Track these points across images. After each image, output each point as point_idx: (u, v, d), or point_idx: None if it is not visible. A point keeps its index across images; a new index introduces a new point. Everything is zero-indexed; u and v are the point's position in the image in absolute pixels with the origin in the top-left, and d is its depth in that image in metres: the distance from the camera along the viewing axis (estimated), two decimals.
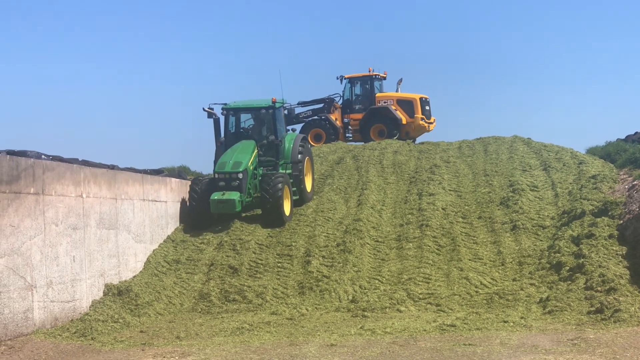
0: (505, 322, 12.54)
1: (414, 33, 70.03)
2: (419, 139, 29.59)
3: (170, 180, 19.38)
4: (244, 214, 19.90)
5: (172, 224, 19.20)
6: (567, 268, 14.77)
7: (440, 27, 70.07)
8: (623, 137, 24.99)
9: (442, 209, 19.37)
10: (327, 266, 16.71)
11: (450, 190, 20.99)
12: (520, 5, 70.60)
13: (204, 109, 20.10)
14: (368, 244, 17.80)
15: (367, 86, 30.13)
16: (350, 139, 30.25)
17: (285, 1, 72.49)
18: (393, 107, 29.13)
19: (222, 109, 20.52)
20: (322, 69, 64.25)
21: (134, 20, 67.70)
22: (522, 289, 14.53)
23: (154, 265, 17.27)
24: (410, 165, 23.79)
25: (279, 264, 17.08)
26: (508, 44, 68.10)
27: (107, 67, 63.74)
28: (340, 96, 30.40)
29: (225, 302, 15.59)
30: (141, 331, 13.40)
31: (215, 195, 18.79)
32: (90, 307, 14.51)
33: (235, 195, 18.72)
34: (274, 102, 20.21)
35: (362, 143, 28.24)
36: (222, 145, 20.36)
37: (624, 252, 14.75)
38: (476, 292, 14.96)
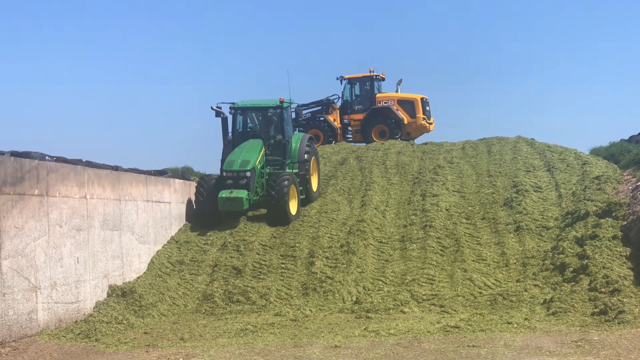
0: (509, 323, 12.54)
1: (416, 33, 70.04)
2: (419, 140, 29.59)
3: (174, 181, 19.40)
4: (250, 213, 20.02)
5: (175, 225, 19.22)
6: (571, 269, 14.75)
7: (443, 27, 70.11)
8: (627, 137, 24.95)
9: (446, 209, 19.37)
10: (330, 267, 16.71)
11: (453, 191, 20.98)
12: (523, 5, 70.58)
13: (212, 108, 20.32)
14: (372, 244, 17.80)
15: (367, 87, 30.12)
16: (350, 139, 30.24)
17: (286, 2, 72.55)
18: (394, 108, 29.14)
19: (230, 108, 20.71)
20: (319, 69, 64.37)
21: (139, 20, 67.83)
22: (525, 290, 14.51)
23: (158, 266, 17.29)
24: (414, 166, 23.79)
25: (282, 265, 17.09)
26: (512, 44, 68.11)
27: (110, 67, 63.90)
28: (339, 97, 30.40)
29: (229, 303, 15.60)
30: (145, 332, 13.42)
31: (223, 193, 18.95)
32: (94, 309, 14.53)
33: (243, 194, 18.87)
34: (281, 102, 20.41)
35: (364, 144, 28.26)
36: (230, 144, 20.54)
37: (627, 253, 14.74)
38: (480, 293, 14.95)
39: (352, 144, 28.96)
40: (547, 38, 68.21)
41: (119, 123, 60.34)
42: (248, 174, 19.15)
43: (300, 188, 20.53)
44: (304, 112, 29.39)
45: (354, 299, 15.23)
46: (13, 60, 59.86)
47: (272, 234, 18.78)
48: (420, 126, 29.23)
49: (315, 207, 20.54)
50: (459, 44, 67.49)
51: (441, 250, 17.18)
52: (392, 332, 12.27)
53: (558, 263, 15.28)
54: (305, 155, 20.93)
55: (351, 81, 30.41)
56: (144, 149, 53.21)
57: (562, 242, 16.17)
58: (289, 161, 20.75)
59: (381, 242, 18.14)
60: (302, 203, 20.63)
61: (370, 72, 30.06)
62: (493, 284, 15.41)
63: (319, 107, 30.06)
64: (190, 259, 17.67)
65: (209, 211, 19.45)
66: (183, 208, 19.82)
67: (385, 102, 29.37)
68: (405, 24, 70.57)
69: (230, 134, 20.73)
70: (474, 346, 10.95)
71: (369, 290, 15.53)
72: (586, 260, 14.63)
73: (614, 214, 16.47)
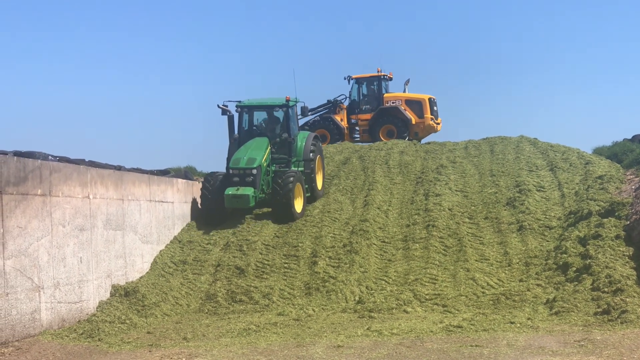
0: (512, 323, 12.53)
1: (418, 33, 70.00)
2: (425, 140, 29.58)
3: (177, 181, 19.43)
4: (255, 211, 20.11)
5: (178, 225, 19.25)
6: (574, 269, 14.74)
7: (446, 27, 70.04)
8: (630, 137, 24.93)
9: (449, 209, 19.37)
10: (333, 267, 16.72)
11: (456, 190, 20.98)
12: (526, 5, 70.51)
13: (218, 106, 20.51)
14: (374, 244, 17.81)
15: (375, 87, 30.12)
16: (358, 139, 30.24)
17: (293, 1, 72.54)
18: (402, 107, 29.13)
19: (237, 106, 20.92)
20: (326, 69, 64.31)
21: (141, 19, 67.84)
22: (528, 290, 14.50)
23: (161, 266, 17.31)
24: (417, 165, 23.79)
25: (285, 265, 17.10)
26: (514, 44, 68.03)
27: (113, 67, 63.89)
28: (347, 97, 30.42)
29: (232, 303, 15.61)
30: (148, 332, 13.43)
31: (230, 190, 19.08)
32: (97, 308, 14.55)
33: (249, 191, 19.00)
34: (287, 101, 20.61)
35: (369, 143, 28.25)
36: (236, 142, 20.69)
37: (630, 253, 14.73)
38: (483, 293, 14.94)
39: (360, 143, 28.96)
40: (550, 37, 68.19)
41: (121, 123, 60.43)
42: (254, 171, 19.31)
43: (306, 186, 20.62)
44: (312, 115, 29.50)
45: (357, 298, 15.23)
46: (15, 60, 59.98)
47: (275, 234, 18.80)
48: (427, 126, 29.25)
49: (318, 207, 20.56)
50: (461, 43, 67.46)
51: (444, 250, 17.18)
52: (395, 331, 12.27)
53: (561, 263, 15.27)
54: (311, 154, 21.13)
55: (359, 81, 30.42)
56: (146, 148, 53.26)
57: (564, 241, 16.16)
58: (295, 159, 20.92)
59: (384, 241, 18.14)
60: (307, 201, 20.74)
61: (378, 71, 30.07)
62: (496, 283, 15.41)
63: (327, 110, 30.12)
64: (193, 259, 17.69)
65: (215, 208, 19.60)
66: (186, 208, 19.85)
67: (393, 102, 29.38)
68: (407, 23, 70.58)
69: (236, 132, 20.90)
70: (476, 346, 10.95)
71: (371, 290, 15.54)
72: (589, 260, 14.62)
73: (616, 214, 16.46)
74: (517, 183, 20.75)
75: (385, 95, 29.67)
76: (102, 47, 65.07)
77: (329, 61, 65.52)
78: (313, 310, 14.72)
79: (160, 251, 17.90)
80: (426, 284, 15.43)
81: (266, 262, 17.21)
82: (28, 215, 12.67)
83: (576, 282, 14.18)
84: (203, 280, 16.71)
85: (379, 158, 24.49)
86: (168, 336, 12.92)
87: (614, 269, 13.92)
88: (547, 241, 17.07)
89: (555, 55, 67.25)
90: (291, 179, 19.49)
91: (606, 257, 14.54)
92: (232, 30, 71.70)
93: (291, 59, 64.63)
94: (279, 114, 21.00)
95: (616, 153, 23.18)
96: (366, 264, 16.67)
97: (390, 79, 30.49)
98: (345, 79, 30.50)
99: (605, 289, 13.37)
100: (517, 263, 16.27)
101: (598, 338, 11.07)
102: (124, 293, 15.26)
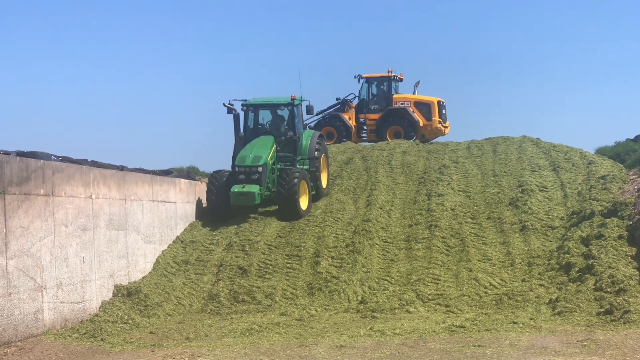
0: (514, 323, 12.52)
1: (421, 33, 69.97)
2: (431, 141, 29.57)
3: (180, 181, 19.45)
4: (260, 210, 20.17)
5: (181, 225, 19.26)
6: (577, 269, 14.73)
7: (449, 27, 70.01)
8: (632, 137, 24.90)
9: (451, 209, 19.37)
10: (336, 267, 16.72)
11: (459, 190, 20.97)
12: (529, 6, 70.44)
13: (224, 105, 20.64)
14: (377, 244, 17.81)
15: (385, 87, 30.11)
16: (365, 138, 30.24)
17: (299, 1, 72.55)
18: (411, 109, 29.12)
19: (242, 105, 21.11)
20: (334, 69, 64.29)
21: (142, 19, 67.87)
22: (531, 290, 14.49)
23: (163, 266, 17.33)
24: (419, 165, 23.79)
25: (288, 265, 17.10)
26: (517, 44, 67.97)
27: (116, 67, 63.91)
28: (356, 96, 30.44)
29: (235, 303, 15.62)
30: (151, 332, 13.44)
31: (236, 188, 19.22)
32: (99, 308, 14.56)
33: (255, 188, 19.12)
34: (293, 100, 20.74)
35: (372, 143, 28.25)
36: (242, 141, 20.82)
37: (633, 253, 14.72)
38: (485, 293, 14.93)
39: (367, 143, 28.96)
40: (553, 38, 68.11)
41: (124, 123, 60.41)
42: (260, 169, 19.44)
43: (311, 184, 20.70)
44: (320, 115, 29.55)
45: (360, 298, 15.23)
46: (17, 60, 60.04)
47: (277, 234, 18.81)
48: (435, 129, 29.20)
49: (321, 207, 20.57)
50: (463, 43, 67.42)
51: (446, 250, 17.17)
52: (398, 331, 12.27)
53: (563, 263, 15.26)
54: (316, 152, 21.29)
55: (369, 80, 30.41)
56: (149, 148, 53.26)
57: (567, 241, 16.15)
58: (300, 158, 21.08)
59: (386, 241, 18.14)
60: (312, 199, 20.83)
61: (388, 72, 30.06)
62: (498, 283, 15.40)
63: (335, 108, 30.15)
64: (195, 259, 17.70)
65: (220, 205, 19.72)
66: (188, 208, 19.87)
67: (401, 103, 29.35)
68: (411, 23, 70.57)
69: (242, 131, 21.04)
70: (479, 346, 10.94)
71: (374, 290, 15.53)
72: (592, 260, 14.61)
73: (619, 214, 16.45)
74: (519, 183, 20.74)
75: (395, 96, 29.63)
76: (105, 46, 65.18)
77: (337, 61, 65.56)
78: (315, 310, 14.72)
79: (163, 251, 17.91)
80: (429, 284, 15.42)
81: (269, 262, 17.22)
82: (31, 215, 12.69)
83: (579, 282, 14.17)
84: (205, 280, 16.71)
85: (382, 158, 24.49)
86: (170, 336, 12.92)
87: (617, 269, 13.92)
88: (550, 241, 17.05)
89: (557, 55, 67.26)
90: (296, 174, 19.65)
91: (609, 257, 14.53)
92: (239, 30, 71.75)
93: (299, 58, 64.71)
94: (284, 112, 21.24)
95: (619, 153, 23.16)
96: (369, 264, 16.66)
97: (401, 80, 30.44)
98: (355, 77, 30.47)
99: (608, 289, 13.36)
100: (520, 263, 16.26)
101: (601, 338, 11.06)
102: (127, 293, 15.28)
